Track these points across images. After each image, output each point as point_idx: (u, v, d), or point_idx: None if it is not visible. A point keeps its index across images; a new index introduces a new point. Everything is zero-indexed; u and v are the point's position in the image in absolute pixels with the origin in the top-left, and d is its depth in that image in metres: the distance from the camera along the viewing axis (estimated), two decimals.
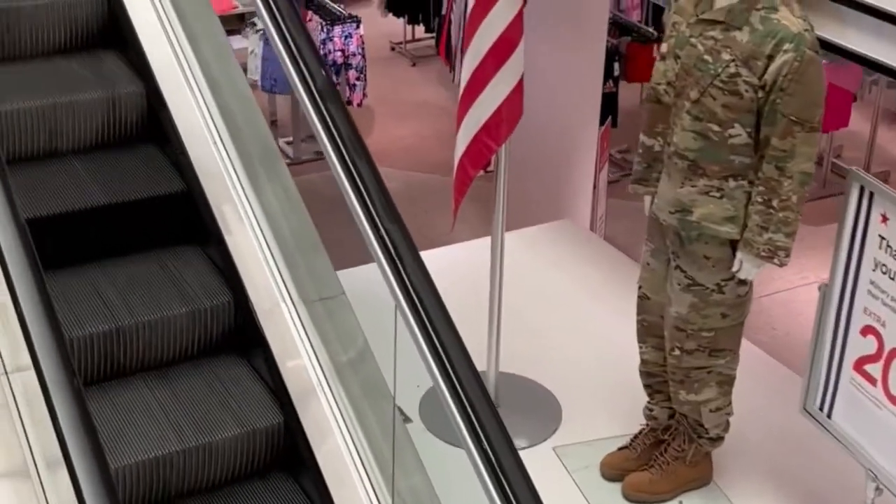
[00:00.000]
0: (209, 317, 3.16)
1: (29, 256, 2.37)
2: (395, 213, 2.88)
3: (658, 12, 8.06)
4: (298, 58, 3.13)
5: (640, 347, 4.18)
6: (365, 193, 2.92)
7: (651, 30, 8.30)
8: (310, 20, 8.36)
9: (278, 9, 3.23)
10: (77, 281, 3.15)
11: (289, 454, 3.08)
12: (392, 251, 2.80)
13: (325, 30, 8.18)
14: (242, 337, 3.22)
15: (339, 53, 8.22)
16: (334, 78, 8.37)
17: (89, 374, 3.04)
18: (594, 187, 6.47)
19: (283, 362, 3.10)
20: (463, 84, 4.14)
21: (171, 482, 2.92)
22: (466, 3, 4.23)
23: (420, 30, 10.03)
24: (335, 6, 8.38)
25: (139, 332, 3.06)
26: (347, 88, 8.31)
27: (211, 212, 3.30)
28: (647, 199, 4.01)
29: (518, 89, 4.11)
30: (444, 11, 9.18)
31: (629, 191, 4.11)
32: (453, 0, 8.98)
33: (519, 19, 4.01)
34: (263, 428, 3.02)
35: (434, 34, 9.83)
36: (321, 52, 8.37)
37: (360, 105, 8.39)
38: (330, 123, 3.02)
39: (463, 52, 4.20)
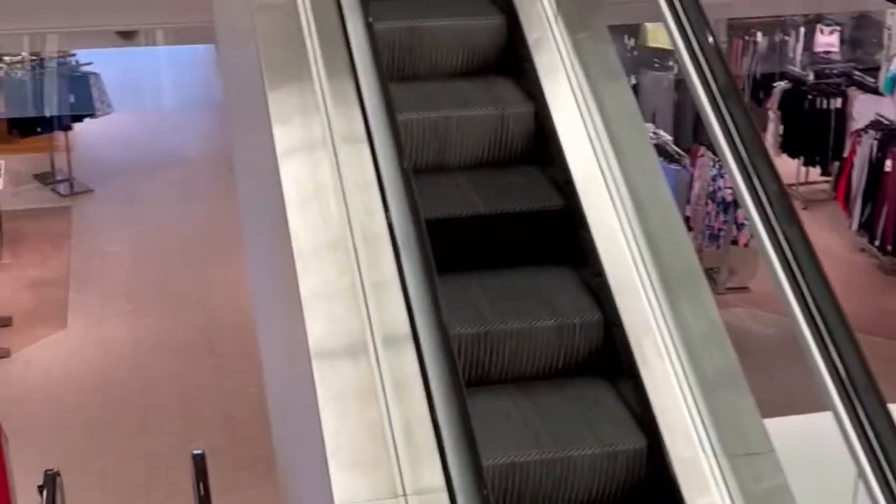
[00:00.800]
0: (577, 332, 3.03)
1: (428, 261, 2.56)
2: (860, 352, 2.46)
3: None
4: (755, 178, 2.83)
5: None
6: (824, 331, 2.54)
7: None
8: (701, 156, 8.18)
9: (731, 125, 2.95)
10: (451, 284, 3.07)
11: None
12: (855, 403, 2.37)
13: (716, 166, 7.98)
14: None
15: (728, 191, 7.98)
16: (723, 216, 8.10)
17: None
18: None
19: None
20: None
21: (526, 492, 2.78)
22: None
23: (814, 172, 9.49)
24: None
25: (506, 339, 3.01)
26: (735, 227, 8.16)
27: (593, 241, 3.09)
28: None
29: None
30: (846, 154, 8.64)
31: None
32: (857, 144, 8.43)
33: None
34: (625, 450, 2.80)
35: (831, 178, 9.28)
36: (711, 188, 8.08)
37: (746, 245, 8.16)
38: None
39: None
